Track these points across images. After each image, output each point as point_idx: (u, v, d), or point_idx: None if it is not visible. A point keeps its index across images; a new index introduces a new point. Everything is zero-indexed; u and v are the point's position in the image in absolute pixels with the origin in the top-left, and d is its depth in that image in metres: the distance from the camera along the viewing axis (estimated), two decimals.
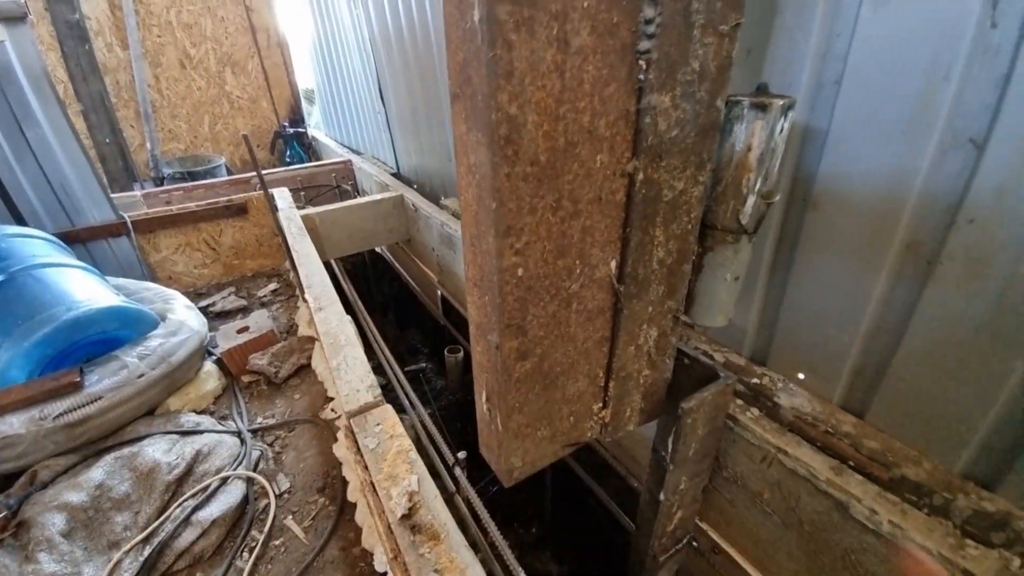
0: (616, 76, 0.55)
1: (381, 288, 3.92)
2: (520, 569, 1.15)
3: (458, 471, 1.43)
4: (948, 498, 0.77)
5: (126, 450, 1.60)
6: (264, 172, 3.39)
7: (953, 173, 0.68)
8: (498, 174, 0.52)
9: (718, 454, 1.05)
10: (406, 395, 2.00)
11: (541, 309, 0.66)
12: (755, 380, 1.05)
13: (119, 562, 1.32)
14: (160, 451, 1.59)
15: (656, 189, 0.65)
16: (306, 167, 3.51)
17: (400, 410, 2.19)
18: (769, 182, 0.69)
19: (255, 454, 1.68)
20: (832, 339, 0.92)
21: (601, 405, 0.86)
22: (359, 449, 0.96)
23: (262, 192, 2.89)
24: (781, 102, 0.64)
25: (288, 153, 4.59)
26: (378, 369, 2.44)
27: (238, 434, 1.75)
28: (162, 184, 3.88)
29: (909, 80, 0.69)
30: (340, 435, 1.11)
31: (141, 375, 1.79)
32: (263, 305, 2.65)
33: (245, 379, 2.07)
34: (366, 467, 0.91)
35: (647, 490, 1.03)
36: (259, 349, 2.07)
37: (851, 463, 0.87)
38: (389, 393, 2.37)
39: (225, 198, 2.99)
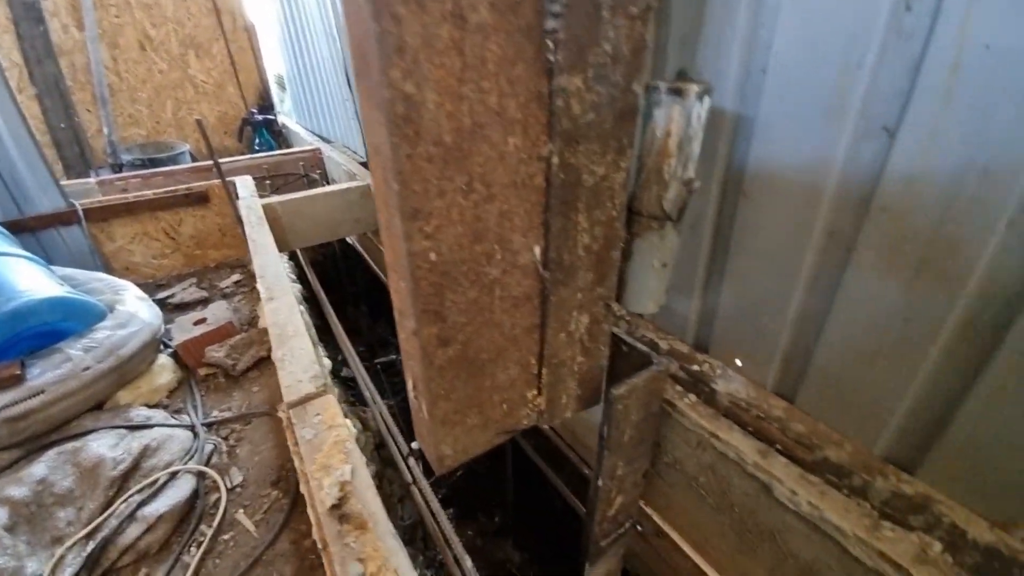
0: (523, 56, 0.54)
1: (353, 279, 3.87)
2: (466, 556, 1.15)
3: (411, 461, 1.42)
4: (867, 480, 0.79)
5: (70, 445, 1.54)
6: (227, 160, 3.30)
7: (867, 161, 0.69)
8: (398, 155, 0.51)
9: (659, 440, 1.06)
10: (367, 387, 1.98)
11: (460, 295, 0.65)
12: (696, 367, 1.06)
13: (62, 557, 1.28)
14: (105, 446, 1.54)
15: (575, 174, 0.65)
16: (272, 155, 3.41)
17: (363, 402, 2.16)
18: (690, 169, 0.69)
19: (208, 448, 1.64)
20: (765, 326, 0.93)
21: (535, 392, 0.86)
22: (296, 440, 0.94)
23: (228, 181, 2.81)
24: (697, 88, 0.64)
25: (257, 141, 4.46)
26: (346, 362, 2.41)
27: (191, 428, 1.71)
28: (120, 171, 3.73)
29: (827, 68, 0.70)
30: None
31: (87, 368, 1.73)
32: (225, 296, 2.58)
33: (202, 372, 2.02)
34: (303, 458, 0.90)
35: (593, 476, 1.04)
36: (217, 341, 2.02)
37: (778, 446, 0.89)
38: (354, 388, 2.35)
39: (185, 186, 2.89)
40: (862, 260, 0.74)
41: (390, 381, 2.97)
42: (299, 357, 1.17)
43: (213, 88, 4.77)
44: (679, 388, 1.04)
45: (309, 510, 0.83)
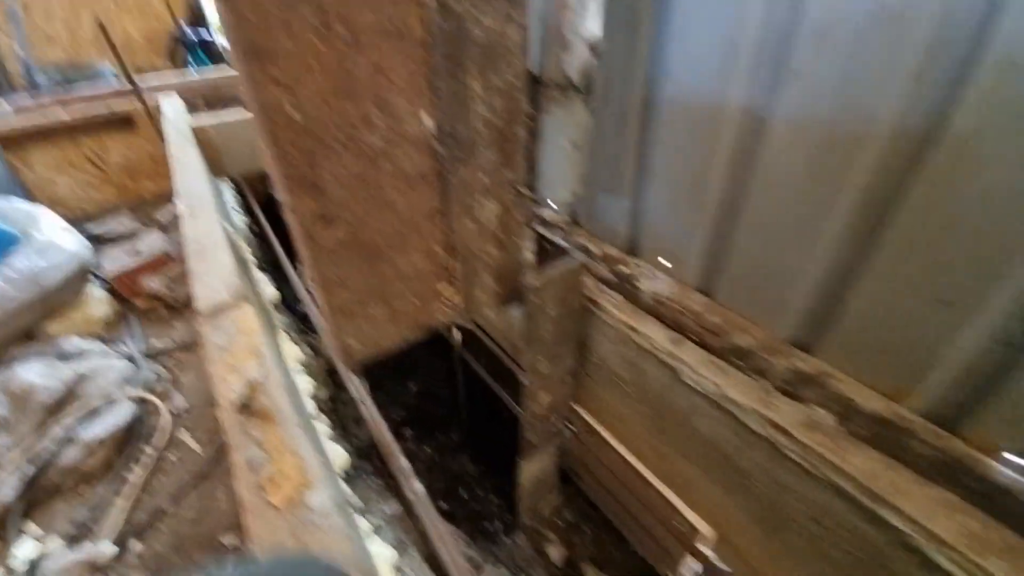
0: None
1: None
2: (401, 456, 1.18)
3: (356, 379, 1.42)
4: (768, 360, 0.81)
5: None
6: (154, 80, 3.00)
7: (778, 21, 0.64)
8: None
9: (586, 341, 1.07)
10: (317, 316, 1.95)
11: (339, 165, 0.60)
12: (624, 269, 1.05)
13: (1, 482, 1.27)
14: (35, 374, 1.48)
15: (459, 23, 0.58)
16: (207, 77, 3.11)
17: (315, 331, 2.13)
18: (593, 25, 0.62)
19: (149, 376, 1.60)
20: (686, 222, 0.91)
21: (449, 287, 0.84)
22: (208, 346, 0.90)
23: (151, 103, 2.56)
24: None
25: (193, 62, 4.05)
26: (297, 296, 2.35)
27: (130, 358, 1.66)
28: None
29: None
30: None
31: (10, 298, 1.63)
32: (164, 229, 2.43)
33: (142, 304, 1.94)
34: (213, 361, 0.87)
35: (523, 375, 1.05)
36: (152, 272, 1.93)
37: (692, 336, 0.90)
38: (308, 320, 2.31)
39: (106, 108, 2.63)
40: (773, 138, 0.71)
41: None
42: (218, 271, 1.11)
43: (135, 1, 4.25)
44: (604, 288, 1.04)
45: (218, 411, 0.81)
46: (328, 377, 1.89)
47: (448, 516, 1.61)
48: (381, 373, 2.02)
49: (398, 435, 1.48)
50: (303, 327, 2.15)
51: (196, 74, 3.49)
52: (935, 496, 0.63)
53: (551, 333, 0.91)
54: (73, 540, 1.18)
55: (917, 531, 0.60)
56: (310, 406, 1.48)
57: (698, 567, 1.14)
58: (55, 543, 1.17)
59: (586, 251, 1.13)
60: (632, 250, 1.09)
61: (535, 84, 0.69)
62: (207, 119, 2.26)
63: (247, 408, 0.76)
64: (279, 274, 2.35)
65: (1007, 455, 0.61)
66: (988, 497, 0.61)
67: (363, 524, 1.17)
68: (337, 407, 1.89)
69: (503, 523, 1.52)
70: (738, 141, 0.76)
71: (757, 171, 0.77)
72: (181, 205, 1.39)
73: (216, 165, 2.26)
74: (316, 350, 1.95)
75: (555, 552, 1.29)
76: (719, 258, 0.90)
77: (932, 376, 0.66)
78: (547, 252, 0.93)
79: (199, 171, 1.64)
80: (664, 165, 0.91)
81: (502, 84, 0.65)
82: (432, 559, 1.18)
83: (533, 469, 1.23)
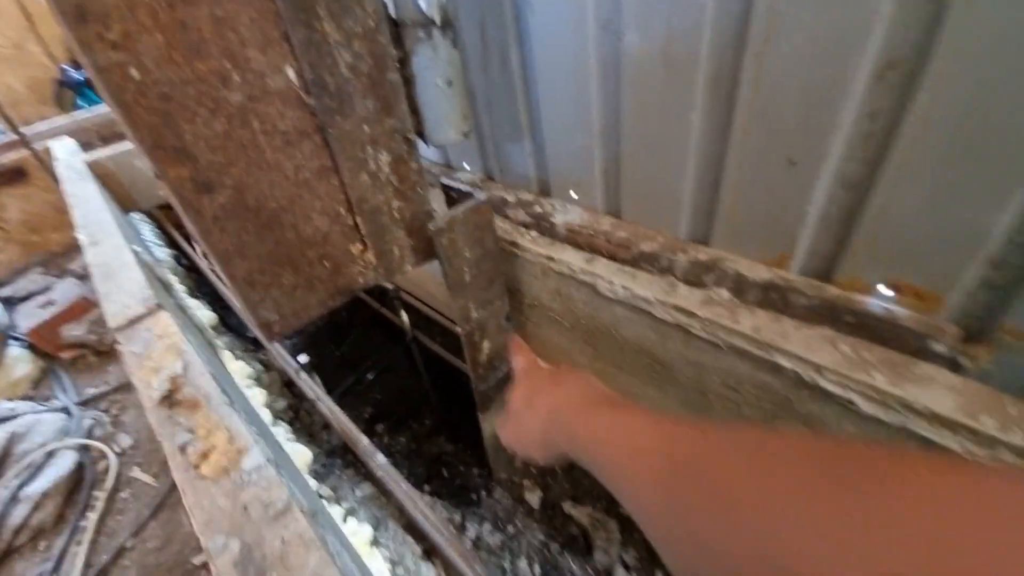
0: None
1: None
2: (363, 438, 1.19)
3: (304, 376, 1.40)
4: (672, 258, 0.87)
5: None
6: (42, 125, 2.80)
7: None
8: None
9: (517, 285, 1.10)
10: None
11: (203, 128, 0.60)
12: (538, 208, 1.09)
13: None
14: None
15: None
16: (99, 113, 2.92)
17: (260, 347, 2.07)
18: None
19: (87, 423, 1.52)
20: (582, 151, 0.95)
21: (360, 246, 0.84)
22: (126, 358, 0.87)
23: (38, 148, 2.39)
24: None
25: (83, 102, 3.79)
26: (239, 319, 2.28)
27: (63, 409, 1.57)
28: None
29: None
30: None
31: None
32: (81, 279, 2.29)
33: (67, 355, 1.83)
34: (132, 370, 0.84)
35: None
36: (72, 319, 1.82)
37: (605, 254, 0.95)
38: (256, 340, 2.24)
39: None
40: (627, 46, 0.76)
41: None
42: (127, 287, 1.07)
43: (12, 50, 3.93)
44: (523, 231, 1.07)
45: (147, 413, 0.79)
46: (284, 388, 1.85)
47: (434, 496, 1.62)
48: (339, 374, 2.00)
49: (370, 433, 1.48)
50: (250, 346, 2.09)
51: (88, 114, 3.27)
52: (817, 334, 0.70)
53: (473, 276, 0.94)
54: None
55: (803, 366, 0.67)
56: (265, 416, 1.45)
57: None
58: None
59: (504, 202, 1.17)
60: (544, 191, 1.13)
61: (396, 26, 0.70)
62: (103, 152, 2.14)
63: (170, 399, 0.74)
64: (218, 303, 2.27)
65: (880, 287, 0.69)
66: (863, 327, 0.69)
67: (336, 511, 1.17)
68: (300, 415, 1.86)
69: (486, 490, 1.55)
70: (601, 57, 0.80)
71: (623, 82, 0.82)
72: (81, 236, 1.32)
73: (125, 200, 2.14)
74: (267, 365, 1.91)
75: (533, 498, 1.33)
76: (617, 178, 0.95)
77: (802, 234, 0.73)
78: (455, 201, 0.95)
79: (98, 202, 1.56)
80: (547, 96, 0.95)
81: (359, 28, 0.66)
82: (411, 527, 1.19)
83: (495, 421, 1.26)
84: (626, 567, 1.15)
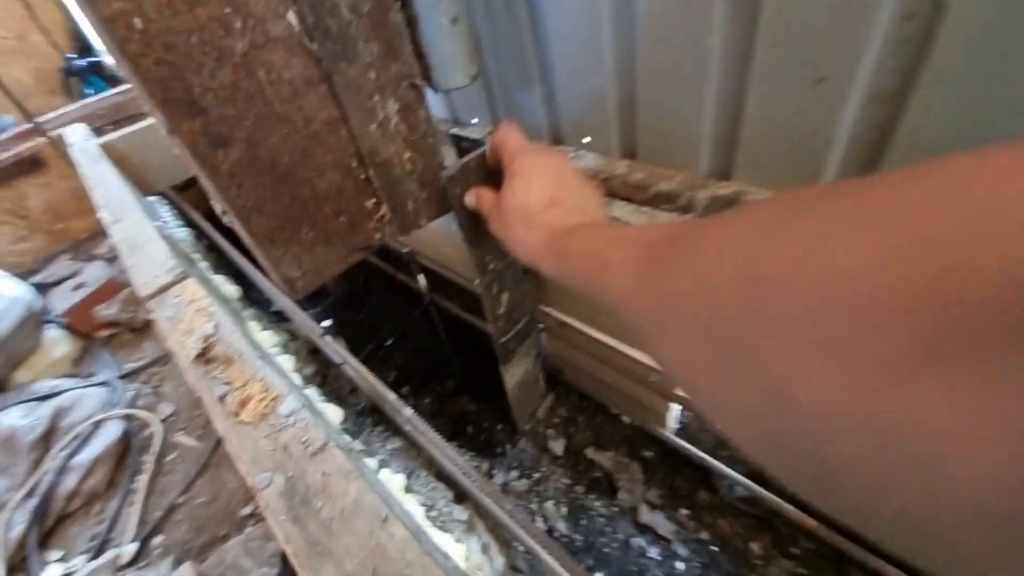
0: None
1: None
2: (390, 393, 1.22)
3: (329, 339, 1.44)
4: (692, 196, 0.85)
5: None
6: (52, 114, 2.83)
7: None
8: None
9: None
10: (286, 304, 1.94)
11: (211, 79, 0.59)
12: None
13: (9, 520, 1.28)
14: (14, 418, 1.47)
15: None
16: (105, 97, 2.93)
17: (286, 319, 2.13)
18: None
19: (129, 395, 1.60)
20: (594, 89, 0.92)
21: (374, 201, 0.84)
22: (159, 324, 0.91)
23: (52, 136, 2.42)
24: None
25: (89, 90, 3.80)
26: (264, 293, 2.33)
27: (104, 383, 1.65)
28: None
29: None
30: None
31: None
32: (107, 262, 2.35)
33: (103, 334, 1.91)
34: (166, 335, 0.87)
35: None
36: (103, 300, 1.88)
37: (621, 196, 0.93)
38: (280, 312, 2.30)
39: (10, 153, 2.48)
40: None
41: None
42: (152, 258, 1.09)
43: (15, 42, 3.92)
44: None
45: (184, 374, 0.83)
46: (310, 355, 1.91)
47: (462, 450, 1.67)
48: (359, 340, 2.05)
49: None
50: (275, 319, 2.15)
51: (96, 99, 3.28)
52: None
53: (487, 226, 0.93)
54: (96, 554, 1.21)
55: None
56: (296, 380, 1.50)
57: (680, 412, 1.23)
58: (78, 560, 1.20)
59: None
60: (556, 139, 1.11)
61: None
62: (114, 135, 2.15)
63: (205, 356, 0.77)
64: (242, 279, 2.32)
65: None
66: None
67: (370, 462, 1.22)
68: (328, 380, 1.92)
69: (511, 442, 1.60)
70: None
71: (637, 12, 0.78)
72: (104, 214, 1.35)
73: (141, 183, 2.17)
74: (292, 334, 1.96)
75: (557, 446, 1.36)
76: (632, 117, 0.92)
77: (829, 160, 0.70)
78: (466, 152, 0.93)
79: (116, 182, 1.58)
80: (556, 35, 0.92)
81: None
82: (441, 475, 1.24)
83: (516, 373, 1.28)
84: (650, 505, 1.18)
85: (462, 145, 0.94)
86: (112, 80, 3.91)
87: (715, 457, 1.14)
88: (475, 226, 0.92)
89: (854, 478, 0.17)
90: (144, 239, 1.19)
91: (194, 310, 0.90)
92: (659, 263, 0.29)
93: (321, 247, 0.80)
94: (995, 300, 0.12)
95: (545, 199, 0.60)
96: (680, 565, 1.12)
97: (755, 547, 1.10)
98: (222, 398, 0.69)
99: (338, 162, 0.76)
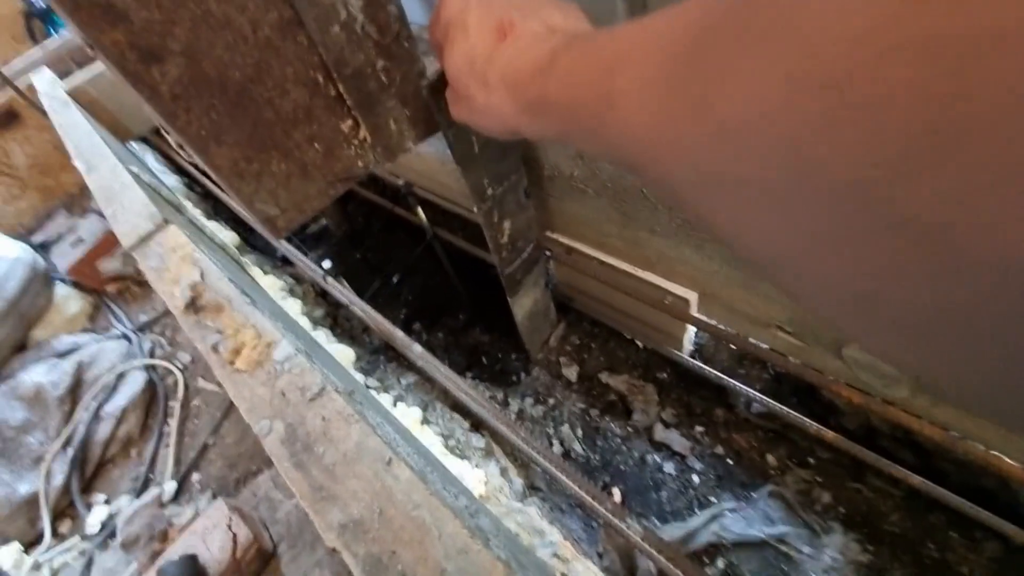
0: None
1: None
2: (397, 330, 1.20)
3: (331, 281, 1.40)
4: None
5: (3, 386, 1.52)
6: (18, 63, 2.64)
7: None
8: None
9: (534, 155, 0.99)
10: (289, 251, 1.90)
11: None
12: None
13: (49, 471, 1.36)
14: (39, 374, 1.52)
15: None
16: (69, 38, 2.70)
17: (289, 263, 2.09)
18: None
19: (147, 346, 1.63)
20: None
21: (351, 122, 0.75)
22: (144, 272, 0.87)
23: (20, 86, 2.27)
24: None
25: (53, 31, 3.53)
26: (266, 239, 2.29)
27: (122, 336, 1.67)
28: None
29: None
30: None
31: None
32: (101, 215, 2.31)
33: (111, 288, 1.91)
34: (153, 284, 0.83)
35: None
36: (104, 254, 1.86)
37: None
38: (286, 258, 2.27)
39: None
40: None
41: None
42: (130, 207, 1.03)
43: None
44: None
45: (178, 320, 0.80)
46: (319, 298, 1.90)
47: (476, 381, 1.68)
48: (365, 279, 2.02)
49: (407, 333, 1.50)
50: (278, 263, 2.12)
51: (58, 40, 3.04)
52: None
53: (482, 145, 0.83)
54: (139, 493, 1.29)
55: None
56: (305, 323, 1.49)
57: (695, 334, 1.19)
58: (123, 499, 1.28)
59: None
60: None
61: None
62: (81, 77, 2.00)
63: (194, 306, 0.74)
64: (242, 225, 2.26)
65: None
66: None
67: (385, 398, 1.23)
68: (339, 321, 1.92)
69: (525, 371, 1.59)
70: None
71: None
72: (78, 163, 1.27)
73: (116, 127, 2.04)
74: (297, 278, 1.94)
75: (571, 372, 1.36)
76: (644, 11, 0.78)
77: None
78: None
79: (86, 128, 1.48)
80: None
81: None
82: (457, 406, 1.26)
83: (525, 304, 1.24)
84: (665, 424, 1.19)
85: None
86: None
87: (732, 376, 1.12)
88: (467, 144, 0.82)
89: None
90: (119, 187, 1.12)
91: (178, 257, 0.85)
92: (703, 70, 0.18)
93: (297, 180, 0.72)
94: None
95: (490, 33, 0.42)
96: (695, 478, 1.15)
97: (771, 459, 1.11)
98: (215, 347, 0.66)
99: (300, 76, 0.66)
